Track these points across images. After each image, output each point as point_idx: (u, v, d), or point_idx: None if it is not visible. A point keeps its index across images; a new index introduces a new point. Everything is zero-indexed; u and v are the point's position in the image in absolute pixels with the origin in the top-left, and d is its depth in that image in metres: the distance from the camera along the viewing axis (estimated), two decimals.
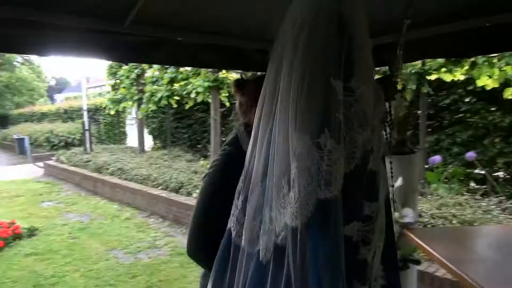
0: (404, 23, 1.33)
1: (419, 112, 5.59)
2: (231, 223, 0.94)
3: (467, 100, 5.64)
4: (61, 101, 28.24)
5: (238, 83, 1.30)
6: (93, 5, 1.67)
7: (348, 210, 0.72)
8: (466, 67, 4.39)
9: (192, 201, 5.75)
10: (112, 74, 11.11)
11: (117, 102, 11.09)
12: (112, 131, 15.66)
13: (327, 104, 0.72)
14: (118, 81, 10.96)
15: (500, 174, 5.56)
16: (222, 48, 2.27)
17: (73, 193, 8.35)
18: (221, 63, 2.49)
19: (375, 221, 0.76)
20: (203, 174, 1.28)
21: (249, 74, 2.41)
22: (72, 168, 9.58)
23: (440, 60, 4.54)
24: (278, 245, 0.77)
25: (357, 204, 0.75)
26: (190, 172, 7.15)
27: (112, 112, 11.69)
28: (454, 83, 5.33)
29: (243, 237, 0.86)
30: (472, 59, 4.20)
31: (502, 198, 4.44)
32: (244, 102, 1.26)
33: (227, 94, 8.05)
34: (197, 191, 5.96)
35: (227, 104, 8.40)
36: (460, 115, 5.73)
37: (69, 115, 17.97)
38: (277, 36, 0.87)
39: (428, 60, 4.64)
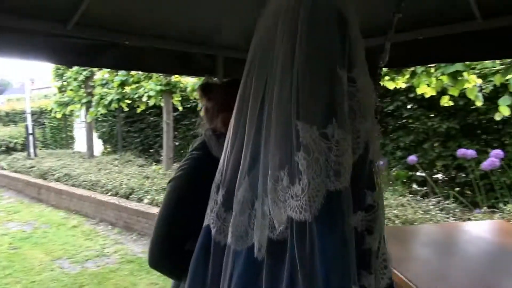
0: (395, 17, 1.37)
1: None
2: (210, 220, 0.88)
3: (409, 106, 5.98)
4: (2, 103, 26.56)
5: (204, 87, 1.26)
6: (34, 5, 1.62)
7: (353, 201, 0.72)
8: (407, 76, 4.65)
9: (144, 207, 5.63)
10: (59, 76, 10.64)
11: (64, 105, 10.62)
12: (59, 135, 14.94)
13: (333, 94, 0.71)
14: (65, 83, 10.51)
15: (439, 176, 5.93)
16: (170, 53, 2.27)
17: (15, 201, 7.89)
18: (169, 68, 2.49)
19: (377, 210, 0.76)
20: (168, 179, 1.21)
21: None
22: (14, 175, 9.04)
23: (384, 69, 4.78)
24: (274, 240, 0.75)
25: (360, 194, 0.75)
26: (142, 177, 6.99)
27: (59, 116, 11.17)
28: (397, 91, 5.64)
29: (230, 234, 0.81)
30: (412, 68, 4.46)
31: (440, 198, 4.74)
32: (210, 107, 1.22)
33: (180, 98, 7.98)
34: (149, 196, 5.84)
35: (180, 108, 8.32)
36: (403, 121, 6.05)
37: (11, 118, 16.94)
38: (257, 33, 0.86)
39: None
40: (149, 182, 6.52)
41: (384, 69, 4.78)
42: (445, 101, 4.65)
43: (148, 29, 2.07)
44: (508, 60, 3.81)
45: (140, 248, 4.97)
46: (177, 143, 9.83)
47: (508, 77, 3.86)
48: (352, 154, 0.73)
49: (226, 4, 2.16)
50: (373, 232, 0.76)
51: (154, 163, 8.98)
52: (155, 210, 5.42)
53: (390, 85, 4.95)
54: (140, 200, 5.91)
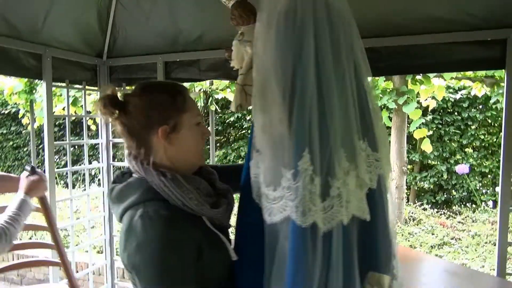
0: None
1: (208, 127, 5.96)
2: (314, 217, 0.80)
3: (248, 118, 6.35)
4: None
5: (111, 99, 0.94)
6: None
7: None
8: None
9: None
10: None
11: None
12: None
13: None
14: None
15: None
16: None
17: None
18: None
19: None
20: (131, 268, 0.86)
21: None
22: None
23: (225, 81, 4.96)
24: None
25: None
26: None
27: None
28: None
29: (349, 214, 0.84)
30: None
31: None
32: (136, 125, 0.93)
33: None
34: None
35: None
36: (244, 131, 6.40)
37: None
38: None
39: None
40: None
41: (225, 81, 4.95)
42: None
43: None
44: None
45: None
46: None
47: None
48: None
49: None
50: None
51: None
52: None
53: (231, 96, 5.16)
54: None
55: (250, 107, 1.10)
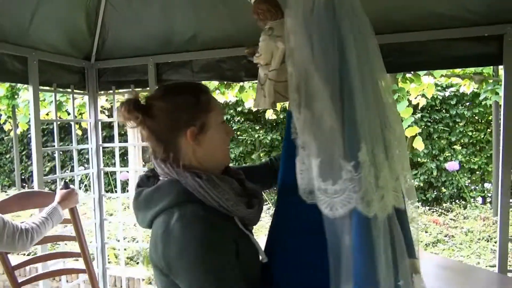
0: None
1: None
2: (376, 207, 0.80)
3: (237, 119, 6.29)
4: None
5: (136, 104, 0.90)
6: None
7: None
8: (236, 90, 4.87)
9: None
10: None
11: None
12: None
13: None
14: None
15: None
16: None
17: None
18: None
19: None
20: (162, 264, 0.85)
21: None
22: None
23: (215, 82, 4.90)
24: None
25: None
26: None
27: None
28: (226, 104, 5.86)
29: (389, 207, 0.82)
30: (241, 84, 4.70)
31: (269, 205, 5.09)
32: (162, 127, 0.91)
33: None
34: None
35: None
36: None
37: None
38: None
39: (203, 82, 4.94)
40: None
41: (215, 82, 4.90)
42: (270, 114, 5.05)
43: None
44: None
45: None
46: None
47: None
48: None
49: None
50: None
51: None
52: None
53: (220, 98, 5.10)
54: None
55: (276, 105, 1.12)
